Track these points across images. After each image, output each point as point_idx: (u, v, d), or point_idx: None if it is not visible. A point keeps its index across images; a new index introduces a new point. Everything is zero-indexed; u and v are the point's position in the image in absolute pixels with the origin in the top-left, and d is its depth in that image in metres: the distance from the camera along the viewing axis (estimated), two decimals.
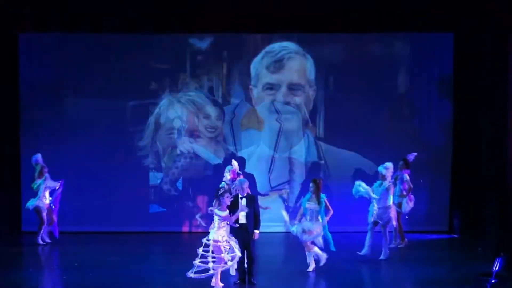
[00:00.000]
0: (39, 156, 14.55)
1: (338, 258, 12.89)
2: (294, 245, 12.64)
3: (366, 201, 14.09)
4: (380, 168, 12.99)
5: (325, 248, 12.06)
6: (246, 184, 11.42)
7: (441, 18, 12.07)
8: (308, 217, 12.04)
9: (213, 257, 10.79)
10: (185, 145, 16.27)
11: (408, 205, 14.20)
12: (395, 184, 13.79)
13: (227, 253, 10.85)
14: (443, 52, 15.95)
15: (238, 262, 11.46)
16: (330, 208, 12.24)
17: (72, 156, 15.61)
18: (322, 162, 16.20)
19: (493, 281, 10.47)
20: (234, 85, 16.27)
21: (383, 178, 12.92)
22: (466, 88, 15.54)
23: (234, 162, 13.48)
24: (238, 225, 11.22)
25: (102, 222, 15.09)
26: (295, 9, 12.05)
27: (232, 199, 11.33)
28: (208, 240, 10.83)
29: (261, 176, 16.16)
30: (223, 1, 12.06)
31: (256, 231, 11.27)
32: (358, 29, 12.59)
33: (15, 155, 15.77)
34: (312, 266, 12.12)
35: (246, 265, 11.42)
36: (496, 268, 10.45)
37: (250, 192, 11.52)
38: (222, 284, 10.94)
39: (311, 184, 12.13)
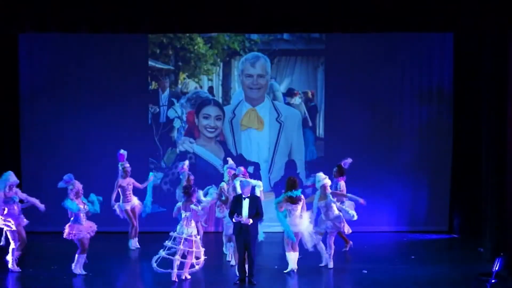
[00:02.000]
0: (186, 163, 14.38)
1: (337, 258, 12.89)
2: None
3: (368, 202, 14.09)
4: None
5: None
6: (250, 185, 11.47)
7: (441, 18, 12.03)
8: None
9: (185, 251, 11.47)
10: (185, 145, 16.29)
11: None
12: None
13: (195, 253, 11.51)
14: (443, 52, 15.96)
15: (238, 262, 11.52)
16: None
17: (72, 157, 15.60)
18: (322, 159, 16.17)
19: (493, 281, 10.47)
20: (234, 85, 16.29)
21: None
22: (466, 88, 15.55)
23: (230, 160, 13.55)
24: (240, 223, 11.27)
25: (102, 222, 15.05)
26: (295, 9, 12.02)
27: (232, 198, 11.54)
28: (178, 234, 11.48)
29: (262, 176, 16.18)
30: (223, 1, 12.03)
31: (249, 219, 11.23)
32: (358, 29, 12.55)
33: (15, 155, 15.77)
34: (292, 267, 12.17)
35: (246, 265, 11.44)
36: (496, 268, 10.45)
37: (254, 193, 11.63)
38: (177, 281, 11.47)
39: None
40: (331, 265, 12.48)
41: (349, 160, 13.98)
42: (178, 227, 11.60)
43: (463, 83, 15.66)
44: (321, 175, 12.60)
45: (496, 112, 12.95)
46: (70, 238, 12.02)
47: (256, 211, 11.32)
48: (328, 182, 12.57)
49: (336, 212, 12.45)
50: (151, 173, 14.69)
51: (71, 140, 15.81)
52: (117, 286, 11.71)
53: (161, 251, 11.55)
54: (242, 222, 11.19)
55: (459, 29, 13.47)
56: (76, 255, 12.02)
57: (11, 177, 12.40)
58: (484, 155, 13.47)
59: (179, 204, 11.80)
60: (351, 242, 13.80)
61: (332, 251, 12.57)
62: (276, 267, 12.50)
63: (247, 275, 11.39)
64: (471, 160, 15.15)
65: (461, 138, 15.74)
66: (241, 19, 12.14)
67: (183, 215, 11.57)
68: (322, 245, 12.57)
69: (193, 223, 11.57)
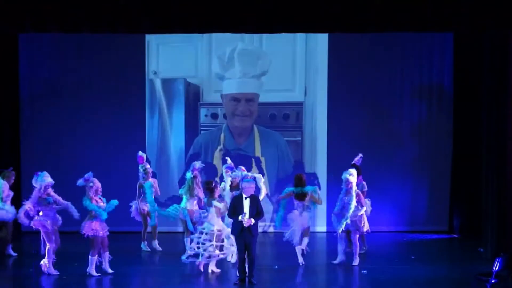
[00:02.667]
0: (197, 164, 13.73)
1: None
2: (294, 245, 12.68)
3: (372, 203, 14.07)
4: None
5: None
6: (253, 184, 11.48)
7: (441, 18, 12.03)
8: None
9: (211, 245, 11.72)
10: None
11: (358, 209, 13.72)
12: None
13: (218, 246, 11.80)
14: (443, 52, 15.96)
15: (238, 263, 11.51)
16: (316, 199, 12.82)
17: (72, 157, 15.60)
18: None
19: (493, 281, 10.47)
20: None
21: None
22: (466, 88, 15.55)
23: (229, 160, 13.55)
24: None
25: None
26: (295, 9, 12.01)
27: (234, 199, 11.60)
28: (204, 229, 11.79)
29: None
30: (223, 1, 12.01)
31: (251, 219, 11.21)
32: (357, 29, 12.55)
33: (15, 155, 15.76)
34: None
35: (246, 266, 11.44)
36: (496, 268, 10.44)
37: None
38: (219, 270, 11.87)
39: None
40: (356, 262, 12.59)
41: (360, 156, 13.94)
42: (205, 223, 11.89)
43: (463, 83, 15.66)
44: (352, 172, 12.64)
45: (496, 112, 12.95)
46: (92, 235, 11.89)
47: (257, 210, 11.30)
48: (354, 180, 12.55)
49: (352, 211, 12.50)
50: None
51: (71, 140, 15.81)
52: (121, 286, 11.69)
53: (193, 245, 11.82)
54: (244, 224, 11.17)
55: (459, 29, 13.45)
56: (90, 257, 12.01)
57: (46, 178, 12.26)
58: (484, 155, 13.47)
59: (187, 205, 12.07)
60: (366, 247, 13.79)
61: (358, 248, 12.68)
62: (276, 267, 12.50)
63: (247, 275, 11.38)
64: (471, 160, 15.15)
65: (461, 138, 15.74)
66: (241, 19, 12.12)
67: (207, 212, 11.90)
68: (343, 244, 12.66)
69: (216, 218, 11.82)
